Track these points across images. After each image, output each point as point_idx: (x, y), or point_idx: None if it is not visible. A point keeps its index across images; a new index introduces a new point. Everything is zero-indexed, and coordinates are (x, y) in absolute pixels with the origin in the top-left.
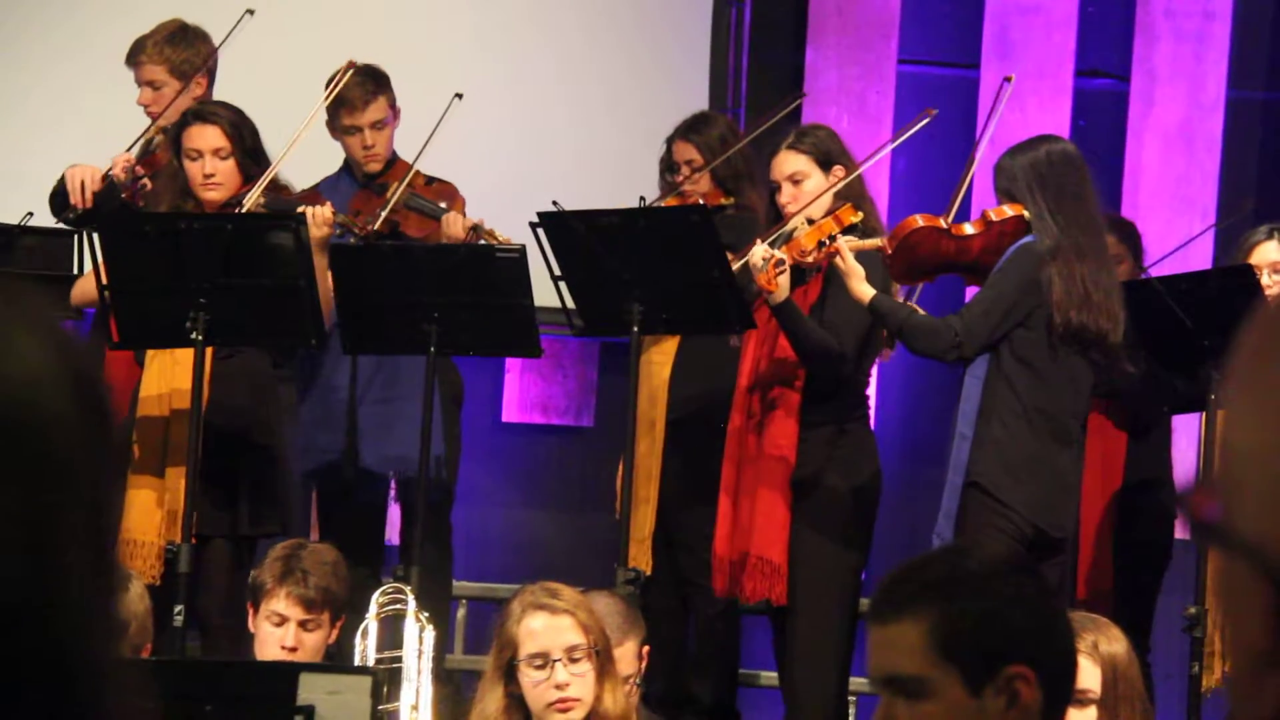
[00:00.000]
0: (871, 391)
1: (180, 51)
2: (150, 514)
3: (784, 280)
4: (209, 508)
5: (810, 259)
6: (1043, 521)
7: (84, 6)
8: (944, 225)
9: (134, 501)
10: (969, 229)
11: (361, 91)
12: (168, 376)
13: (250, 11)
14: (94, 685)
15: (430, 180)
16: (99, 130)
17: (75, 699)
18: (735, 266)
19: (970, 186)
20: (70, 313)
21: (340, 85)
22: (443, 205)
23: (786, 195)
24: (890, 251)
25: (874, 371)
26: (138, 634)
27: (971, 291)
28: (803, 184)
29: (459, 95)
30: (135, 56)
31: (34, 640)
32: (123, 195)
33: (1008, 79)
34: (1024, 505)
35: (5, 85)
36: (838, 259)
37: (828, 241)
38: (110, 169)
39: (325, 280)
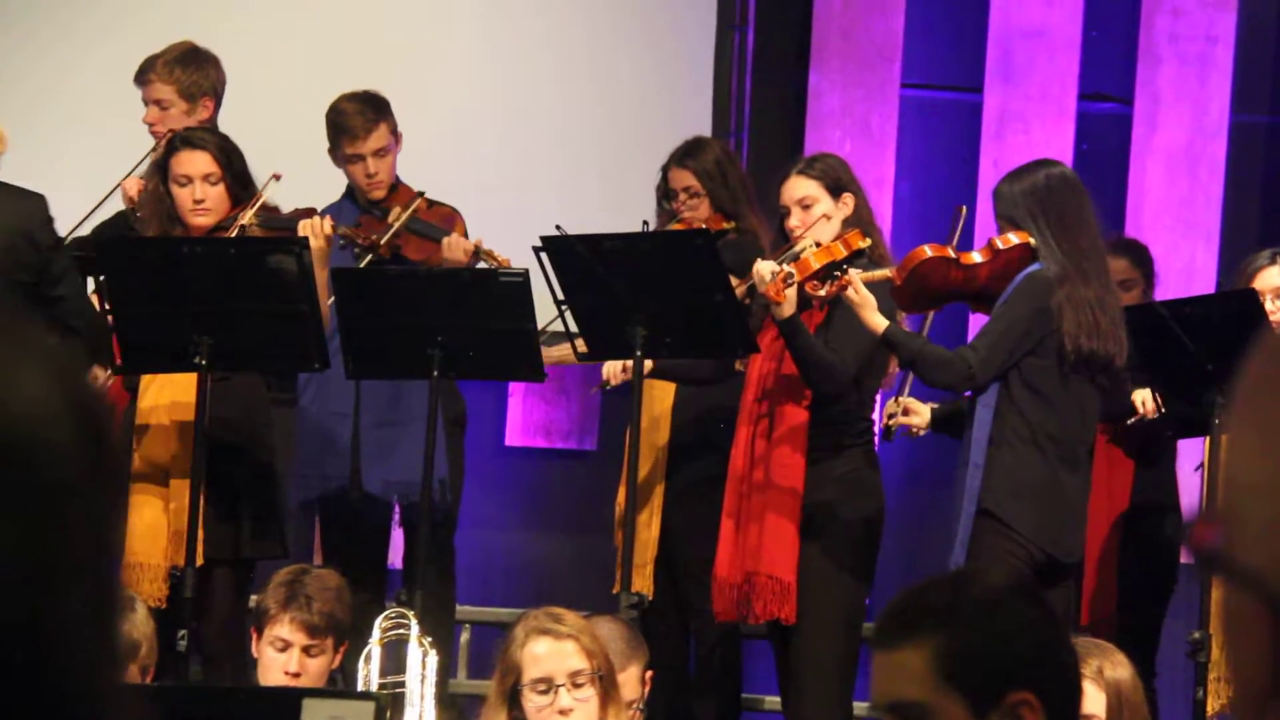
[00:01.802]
0: (876, 415)
1: (190, 73)
2: (153, 536)
3: (791, 293)
4: (210, 529)
5: (822, 292)
6: (1053, 547)
7: (86, 23)
8: (952, 254)
9: (136, 524)
10: (976, 257)
11: (363, 120)
12: (165, 396)
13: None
14: (93, 713)
15: (432, 204)
16: (100, 146)
17: None
18: (739, 290)
19: (971, 218)
20: None
21: (261, 193)
22: (444, 230)
23: (795, 220)
24: (900, 282)
25: (878, 397)
26: (148, 655)
27: (977, 318)
28: (812, 209)
29: (422, 193)
30: (144, 75)
31: (34, 668)
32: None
33: (959, 209)
34: (1034, 531)
35: (7, 100)
36: (849, 290)
37: (839, 274)
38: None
39: (324, 296)
